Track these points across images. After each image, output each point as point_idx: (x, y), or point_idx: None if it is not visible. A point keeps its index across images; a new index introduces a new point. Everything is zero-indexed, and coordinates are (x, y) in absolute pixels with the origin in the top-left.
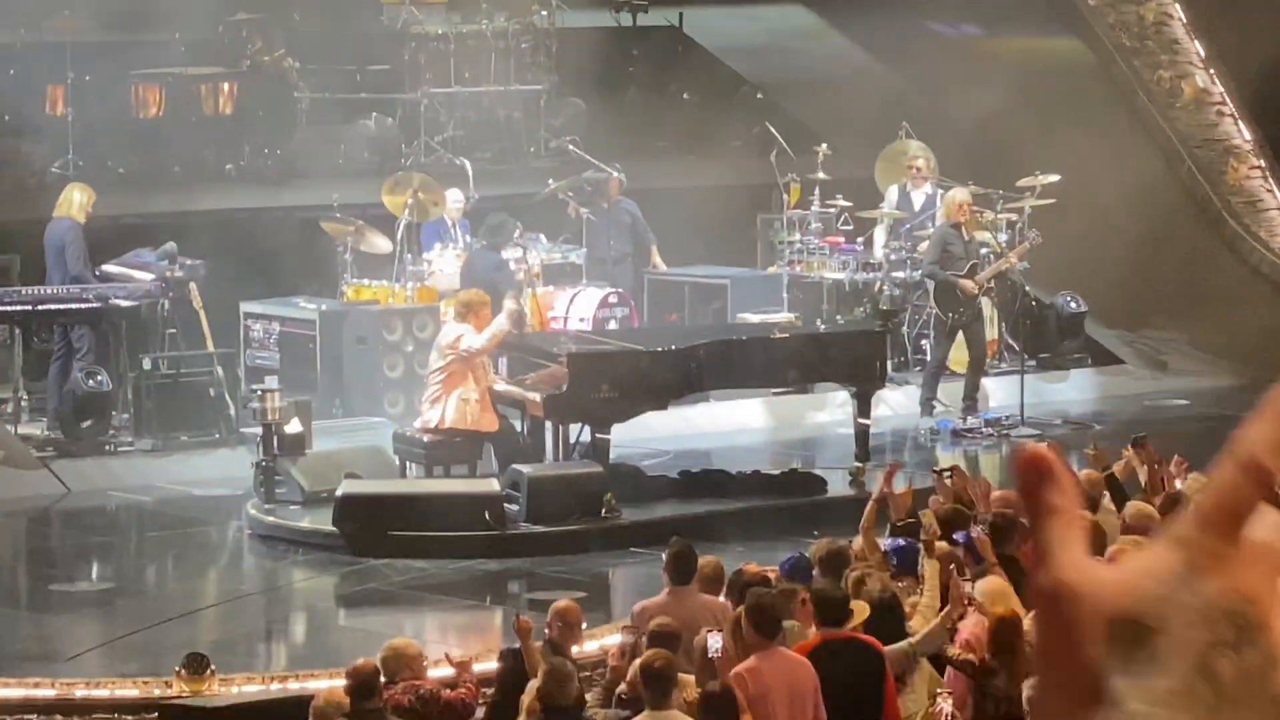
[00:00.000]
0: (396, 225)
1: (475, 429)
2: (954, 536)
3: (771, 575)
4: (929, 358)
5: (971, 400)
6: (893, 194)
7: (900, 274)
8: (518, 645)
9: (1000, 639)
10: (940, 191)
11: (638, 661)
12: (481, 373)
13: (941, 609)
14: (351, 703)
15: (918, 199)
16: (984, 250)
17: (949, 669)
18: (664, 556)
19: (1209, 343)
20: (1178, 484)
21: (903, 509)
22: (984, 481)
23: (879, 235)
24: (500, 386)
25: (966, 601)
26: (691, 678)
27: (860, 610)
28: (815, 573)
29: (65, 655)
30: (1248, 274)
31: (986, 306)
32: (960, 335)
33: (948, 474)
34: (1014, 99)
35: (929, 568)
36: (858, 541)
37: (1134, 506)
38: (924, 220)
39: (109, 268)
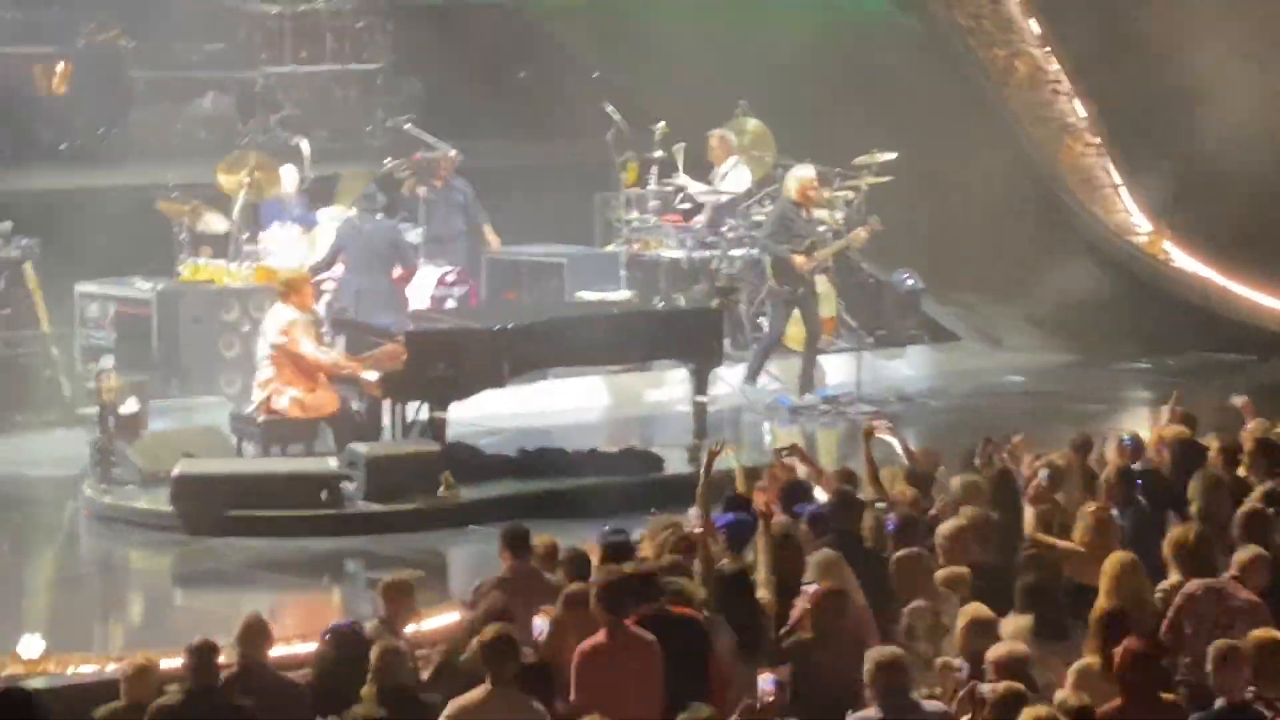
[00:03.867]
0: (232, 205)
1: (313, 417)
2: (795, 510)
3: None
4: (766, 331)
5: (807, 378)
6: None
7: (738, 252)
8: (344, 624)
9: (821, 613)
10: (745, 168)
11: (476, 636)
12: (311, 364)
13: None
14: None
15: (716, 177)
16: (822, 228)
17: None
18: (500, 534)
19: (1044, 319)
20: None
21: (746, 484)
22: (819, 467)
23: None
24: (326, 355)
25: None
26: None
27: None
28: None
29: None
30: (1083, 251)
31: (823, 284)
32: (796, 312)
33: (787, 452)
34: (852, 76)
35: (762, 541)
36: (693, 514)
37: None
38: (751, 200)
39: None
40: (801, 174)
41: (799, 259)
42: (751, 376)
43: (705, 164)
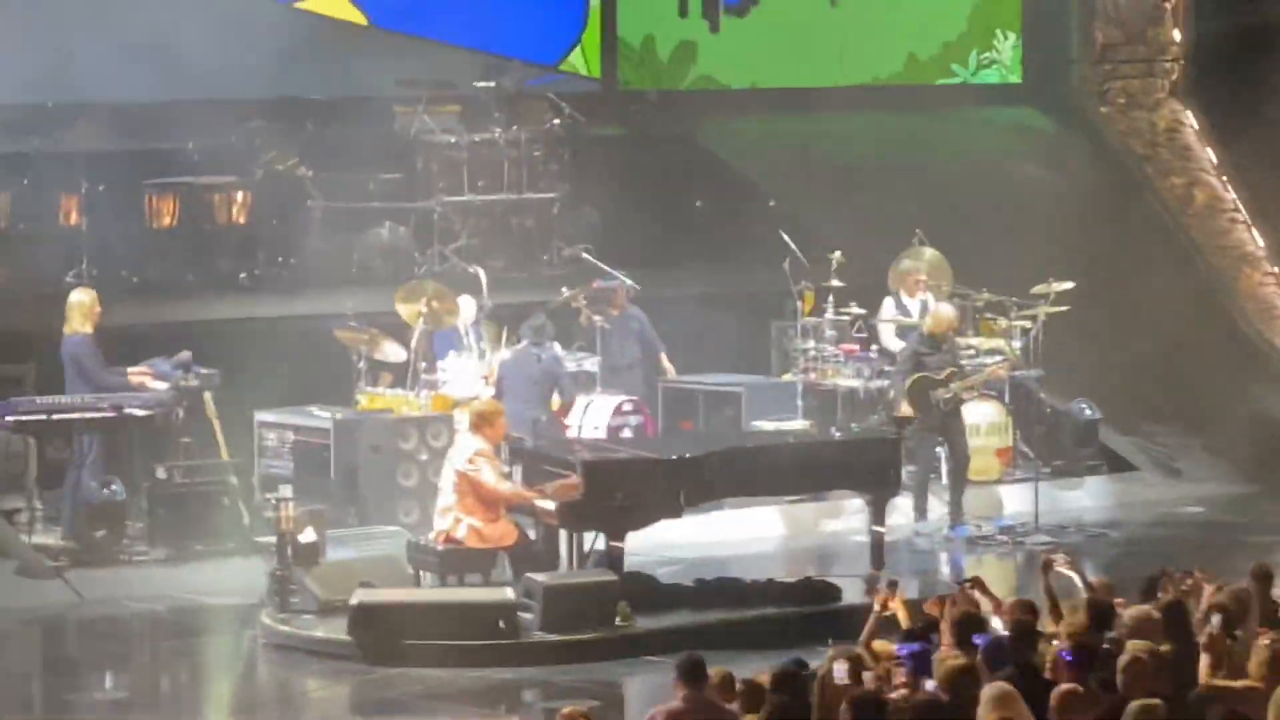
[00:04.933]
0: (410, 334)
1: (492, 548)
2: (974, 640)
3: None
4: (916, 467)
5: (955, 507)
6: (888, 304)
7: None
8: None
9: None
10: (954, 302)
11: None
12: (491, 493)
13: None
14: None
15: (914, 308)
16: (998, 358)
17: None
18: (676, 664)
19: (1224, 449)
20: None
21: (916, 617)
22: (998, 598)
23: (888, 341)
24: (507, 487)
25: None
26: None
27: None
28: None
29: None
30: (1263, 380)
31: (999, 414)
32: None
33: (969, 584)
34: (1027, 205)
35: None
36: (840, 669)
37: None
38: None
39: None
40: (941, 312)
41: (914, 383)
42: (920, 514)
43: (874, 292)
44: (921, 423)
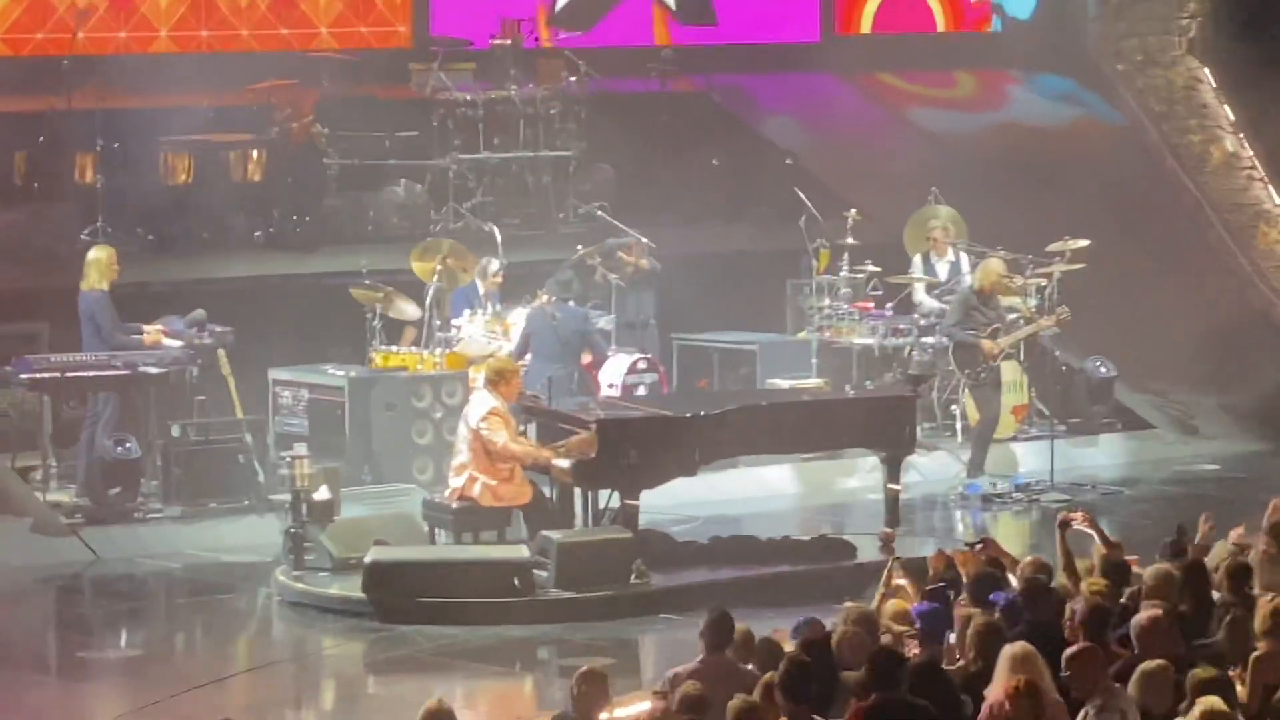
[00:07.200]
0: (425, 292)
1: (507, 506)
2: (990, 598)
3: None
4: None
5: (976, 463)
6: (917, 263)
7: (930, 339)
8: None
9: (1017, 710)
10: (969, 259)
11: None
12: (504, 453)
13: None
14: None
15: (942, 268)
16: (1012, 316)
17: None
18: (701, 622)
19: (1238, 407)
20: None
21: (933, 572)
22: (1012, 557)
23: (920, 297)
24: (520, 446)
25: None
26: None
27: None
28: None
29: None
30: (1278, 338)
31: (1015, 372)
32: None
33: (979, 545)
34: (1043, 163)
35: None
36: (885, 607)
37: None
38: (953, 286)
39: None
40: (992, 266)
41: (987, 344)
42: (975, 469)
43: (889, 250)
44: (969, 378)
